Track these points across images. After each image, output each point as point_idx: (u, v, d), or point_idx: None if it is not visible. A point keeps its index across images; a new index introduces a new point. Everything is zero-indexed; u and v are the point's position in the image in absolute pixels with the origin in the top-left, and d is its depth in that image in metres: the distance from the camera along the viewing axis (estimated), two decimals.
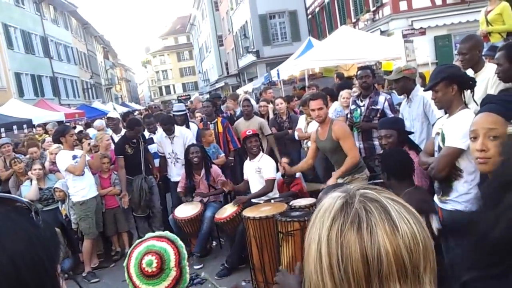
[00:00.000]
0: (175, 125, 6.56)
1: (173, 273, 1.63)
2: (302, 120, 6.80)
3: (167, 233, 1.80)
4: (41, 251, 0.73)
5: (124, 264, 1.72)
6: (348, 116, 5.83)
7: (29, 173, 6.27)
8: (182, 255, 1.70)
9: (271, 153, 6.75)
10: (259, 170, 5.43)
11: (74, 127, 8.80)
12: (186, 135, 6.49)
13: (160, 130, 6.94)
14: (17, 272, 0.68)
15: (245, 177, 5.72)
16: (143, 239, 1.76)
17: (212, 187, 6.00)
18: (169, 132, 6.41)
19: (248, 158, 5.63)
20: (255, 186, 5.49)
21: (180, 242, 1.75)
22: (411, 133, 4.33)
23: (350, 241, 0.78)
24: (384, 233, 0.77)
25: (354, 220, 0.79)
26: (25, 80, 26.31)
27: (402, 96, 5.36)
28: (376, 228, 0.77)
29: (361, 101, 5.65)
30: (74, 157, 5.74)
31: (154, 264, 1.61)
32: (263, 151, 5.72)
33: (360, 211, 0.79)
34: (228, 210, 5.43)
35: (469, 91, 3.27)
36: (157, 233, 1.80)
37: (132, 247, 1.74)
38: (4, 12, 24.46)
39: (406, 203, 0.84)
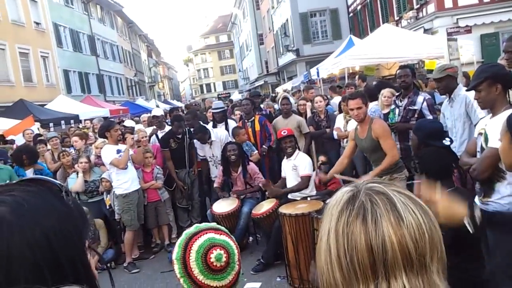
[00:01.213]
0: (210, 128, 6.78)
1: (236, 268, 1.57)
2: (340, 118, 6.76)
3: (216, 225, 1.70)
4: (70, 226, 0.80)
5: (176, 257, 1.58)
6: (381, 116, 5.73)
7: (76, 166, 6.56)
8: (238, 249, 1.63)
9: (309, 151, 6.76)
10: (295, 168, 5.46)
11: (120, 122, 9.09)
12: (221, 137, 6.64)
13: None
14: (49, 244, 0.75)
15: (283, 174, 5.77)
16: (197, 230, 1.63)
17: (249, 184, 6.08)
18: (203, 141, 6.61)
19: (285, 156, 5.68)
20: (291, 183, 5.53)
21: (232, 236, 1.66)
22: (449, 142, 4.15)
23: (355, 232, 0.80)
24: (389, 223, 0.79)
25: (360, 211, 0.82)
26: (73, 77, 27.34)
27: (444, 96, 5.22)
28: (381, 219, 0.80)
29: (400, 101, 5.56)
30: (118, 151, 5.96)
31: (223, 259, 1.53)
32: (299, 149, 5.74)
33: (365, 203, 0.82)
34: (265, 206, 5.49)
35: None
36: (212, 225, 1.69)
37: (186, 239, 1.61)
38: (54, 11, 25.50)
39: (415, 196, 0.86)
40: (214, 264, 1.51)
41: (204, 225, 1.68)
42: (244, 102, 7.56)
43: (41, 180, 0.87)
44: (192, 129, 7.01)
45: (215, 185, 6.30)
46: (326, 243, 0.84)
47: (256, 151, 6.75)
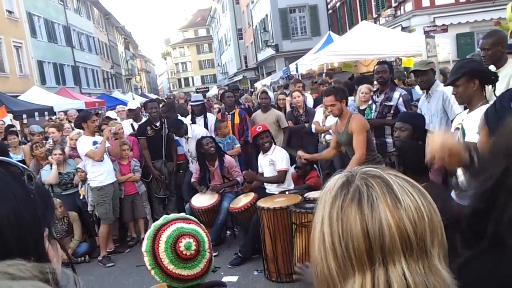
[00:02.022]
0: (188, 123, 6.71)
1: (207, 255, 1.57)
2: (319, 113, 6.78)
3: (188, 216, 1.70)
4: (26, 212, 0.75)
5: (146, 249, 1.59)
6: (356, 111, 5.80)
7: (49, 157, 6.40)
8: (209, 238, 1.64)
9: (287, 146, 6.76)
10: (273, 162, 5.46)
11: (97, 114, 8.95)
12: (197, 135, 6.50)
13: (183, 118, 7.07)
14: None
15: (259, 170, 5.75)
16: (165, 221, 1.63)
17: (226, 178, 6.04)
18: (179, 135, 6.57)
19: (261, 152, 5.67)
20: None
21: (203, 226, 1.67)
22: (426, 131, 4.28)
23: (350, 217, 0.76)
24: (386, 206, 0.75)
25: (355, 195, 0.77)
26: (47, 68, 26.73)
27: (421, 92, 5.29)
28: (377, 202, 0.75)
29: (377, 96, 5.62)
30: (95, 143, 5.85)
31: (193, 247, 1.52)
32: (275, 144, 5.74)
33: (361, 187, 0.78)
34: (243, 200, 5.47)
35: (490, 86, 3.23)
36: (181, 215, 1.69)
37: (154, 230, 1.61)
38: (28, 1, 24.83)
39: (412, 180, 0.82)
40: (184, 252, 1.52)
41: (172, 215, 1.69)
42: (227, 94, 7.51)
43: (2, 162, 0.82)
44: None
45: (192, 179, 6.25)
46: (320, 231, 0.80)
47: (238, 145, 6.72)
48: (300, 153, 5.28)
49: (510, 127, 1.06)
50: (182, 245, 1.52)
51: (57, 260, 0.83)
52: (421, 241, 0.75)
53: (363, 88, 6.60)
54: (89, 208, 6.12)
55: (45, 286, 0.58)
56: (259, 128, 5.54)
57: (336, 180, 0.83)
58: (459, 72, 3.16)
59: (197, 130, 6.61)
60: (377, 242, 0.74)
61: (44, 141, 7.17)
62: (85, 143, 5.82)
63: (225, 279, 4.88)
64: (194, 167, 6.52)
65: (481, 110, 3.02)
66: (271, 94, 7.99)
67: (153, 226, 1.64)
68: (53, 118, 12.91)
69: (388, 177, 0.79)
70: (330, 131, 5.82)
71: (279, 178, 5.39)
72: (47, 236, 0.80)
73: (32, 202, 0.78)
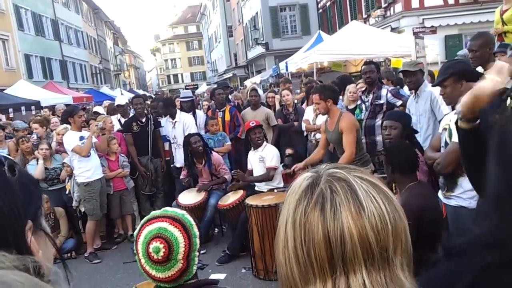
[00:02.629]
0: (178, 110, 6.72)
1: (179, 265, 1.53)
2: (310, 111, 6.79)
3: (183, 215, 1.63)
4: (4, 204, 0.73)
5: (135, 234, 1.63)
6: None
7: (36, 152, 6.33)
8: (192, 247, 1.57)
9: (276, 144, 6.77)
10: (262, 159, 5.46)
11: (84, 109, 8.89)
12: (185, 121, 6.56)
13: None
14: None
15: (249, 167, 5.75)
16: (152, 217, 1.63)
17: (214, 175, 6.02)
18: (171, 113, 6.57)
19: (252, 148, 5.67)
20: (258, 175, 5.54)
21: (194, 230, 1.60)
22: (416, 132, 4.32)
23: (313, 223, 0.74)
24: (349, 213, 0.73)
25: (318, 200, 0.75)
26: (35, 62, 26.38)
27: (409, 92, 5.33)
28: (340, 208, 0.73)
29: (366, 96, 5.67)
30: (81, 138, 5.79)
31: (161, 253, 1.50)
32: (267, 141, 5.75)
33: (325, 191, 0.76)
34: (231, 197, 5.47)
35: None
36: (173, 212, 1.64)
37: (142, 223, 1.63)
38: None
39: (379, 181, 0.80)
40: (152, 255, 1.52)
41: (162, 211, 1.66)
42: (218, 92, 7.50)
43: None
44: (159, 117, 6.93)
45: (181, 176, 6.21)
46: (284, 234, 0.78)
47: (229, 142, 6.70)
48: (298, 164, 5.26)
49: None
50: (151, 247, 1.52)
51: (44, 253, 0.80)
52: (383, 250, 0.73)
53: (351, 87, 6.64)
54: (74, 204, 6.06)
55: (22, 273, 0.56)
56: (253, 123, 5.54)
57: (301, 181, 0.81)
58: (447, 72, 3.19)
59: (184, 116, 6.63)
60: (338, 250, 0.72)
61: (29, 135, 7.09)
62: (71, 138, 5.77)
63: (213, 276, 4.88)
64: (177, 154, 6.58)
65: None
66: (260, 92, 7.99)
67: (149, 215, 1.66)
68: (38, 113, 12.74)
69: (354, 180, 0.77)
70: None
71: (267, 176, 5.39)
72: (31, 229, 0.77)
73: (11, 193, 0.75)
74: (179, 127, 6.52)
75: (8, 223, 0.73)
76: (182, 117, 6.61)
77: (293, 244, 0.76)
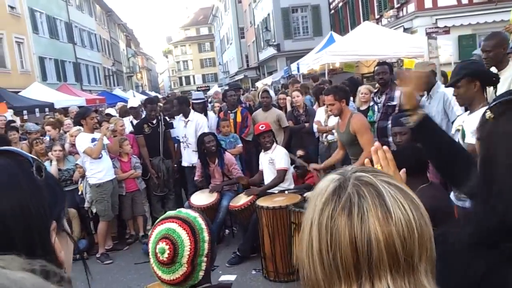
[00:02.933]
0: (192, 110, 6.75)
1: (183, 269, 1.50)
2: (321, 112, 6.77)
3: (195, 218, 1.60)
4: (32, 205, 0.74)
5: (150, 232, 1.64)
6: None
7: (49, 154, 6.40)
8: (199, 252, 1.53)
9: (288, 145, 6.75)
10: (272, 161, 5.45)
11: (96, 111, 8.99)
12: (198, 121, 6.57)
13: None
14: (4, 225, 0.70)
15: (260, 167, 5.75)
16: (165, 217, 1.62)
17: (226, 175, 6.03)
18: (184, 112, 6.59)
19: (263, 150, 5.67)
20: (269, 177, 5.54)
21: (204, 235, 1.56)
22: None
23: (340, 227, 0.74)
24: (376, 219, 0.73)
25: (346, 205, 0.75)
26: (49, 65, 26.72)
27: (421, 94, 5.26)
28: (367, 214, 0.73)
29: (378, 98, 5.61)
30: (93, 140, 5.84)
31: (166, 255, 1.50)
32: (276, 143, 5.74)
33: (352, 196, 0.75)
34: (243, 199, 5.46)
35: (491, 88, 3.22)
36: (186, 214, 1.61)
37: (157, 221, 1.63)
38: None
39: (406, 186, 0.80)
40: (158, 255, 1.51)
41: (175, 212, 1.64)
42: (229, 93, 7.51)
43: (12, 152, 0.81)
44: (171, 119, 6.98)
45: (195, 177, 6.22)
46: (308, 235, 0.78)
47: (241, 144, 6.69)
48: (313, 165, 5.24)
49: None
50: (158, 247, 1.52)
51: (66, 253, 0.82)
52: (408, 257, 0.73)
53: (362, 89, 6.61)
54: (86, 205, 6.11)
55: (29, 273, 0.57)
56: (262, 127, 5.53)
57: (328, 184, 0.80)
58: (461, 73, 3.15)
59: (199, 118, 6.65)
60: (364, 255, 0.72)
61: (42, 137, 7.17)
62: (83, 140, 5.82)
63: (223, 277, 4.87)
64: (186, 154, 6.62)
65: (481, 112, 3.02)
66: (272, 93, 7.98)
67: (160, 217, 1.65)
68: (48, 115, 12.89)
69: (381, 185, 0.76)
70: (334, 131, 5.82)
71: (278, 179, 5.37)
72: (55, 229, 0.79)
73: (39, 193, 0.77)
74: (191, 126, 6.54)
75: (35, 223, 0.74)
76: (195, 117, 6.64)
77: (318, 247, 0.76)
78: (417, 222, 0.74)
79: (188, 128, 6.57)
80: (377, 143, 1.30)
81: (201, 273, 1.54)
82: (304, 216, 0.82)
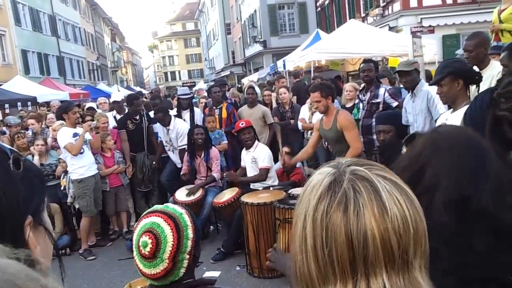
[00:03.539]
0: (172, 116, 6.63)
1: (164, 264, 1.49)
2: (305, 110, 6.80)
3: (181, 215, 1.58)
4: (5, 198, 0.72)
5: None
6: None
7: (31, 148, 6.31)
8: (181, 248, 1.52)
9: (273, 142, 6.75)
10: (255, 160, 5.45)
11: (78, 105, 8.87)
12: (178, 129, 6.48)
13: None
14: None
15: (242, 164, 5.75)
16: (150, 211, 1.62)
17: (210, 169, 6.02)
18: (164, 123, 6.46)
19: (244, 148, 5.66)
20: (250, 175, 5.55)
21: (188, 232, 1.55)
22: (407, 126, 4.31)
23: (335, 223, 0.73)
24: (372, 215, 0.72)
25: (341, 200, 0.74)
26: (32, 58, 26.28)
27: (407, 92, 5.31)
28: (363, 210, 0.72)
29: (364, 95, 5.66)
30: (75, 134, 5.76)
31: (148, 249, 1.49)
32: (258, 141, 5.74)
33: (348, 191, 0.74)
34: (227, 195, 5.46)
35: (474, 86, 3.27)
36: (172, 209, 1.60)
37: (143, 214, 1.62)
38: None
39: (400, 180, 0.78)
40: (141, 249, 1.51)
41: (171, 207, 1.62)
42: (214, 89, 7.48)
43: None
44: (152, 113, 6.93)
45: (182, 172, 6.19)
46: (302, 231, 0.76)
47: (226, 141, 6.66)
48: (285, 150, 5.27)
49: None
50: (141, 240, 1.51)
51: (43, 249, 0.80)
52: (404, 253, 0.73)
53: (347, 86, 6.66)
54: (68, 200, 6.04)
55: (13, 261, 0.56)
56: (242, 124, 5.52)
57: (323, 178, 0.79)
58: (444, 72, 3.18)
59: (179, 124, 6.57)
60: (360, 252, 0.72)
61: (23, 130, 7.06)
62: (64, 135, 5.74)
63: (207, 274, 4.86)
64: (173, 156, 6.59)
65: (464, 110, 3.06)
66: (257, 89, 7.97)
67: (147, 211, 1.64)
68: (25, 109, 12.69)
69: (377, 180, 0.75)
70: None
71: (261, 177, 5.38)
72: (30, 224, 0.77)
73: (13, 186, 0.75)
74: (173, 133, 6.50)
75: (7, 217, 0.72)
76: (177, 125, 6.52)
77: (313, 243, 0.75)
78: (412, 218, 0.73)
79: (171, 134, 6.51)
80: None
81: (183, 270, 1.53)
82: (297, 210, 0.80)
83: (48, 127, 7.37)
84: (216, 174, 5.95)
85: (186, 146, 6.27)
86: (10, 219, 0.73)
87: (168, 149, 6.67)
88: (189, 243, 1.54)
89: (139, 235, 1.53)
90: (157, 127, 6.86)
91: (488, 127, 1.62)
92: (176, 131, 6.46)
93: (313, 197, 0.77)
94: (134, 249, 1.55)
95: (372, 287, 0.72)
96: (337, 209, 0.73)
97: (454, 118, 3.11)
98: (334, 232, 0.73)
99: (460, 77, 3.10)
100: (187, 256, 1.53)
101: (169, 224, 1.53)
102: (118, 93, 9.36)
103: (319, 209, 0.75)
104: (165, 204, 1.66)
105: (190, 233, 1.55)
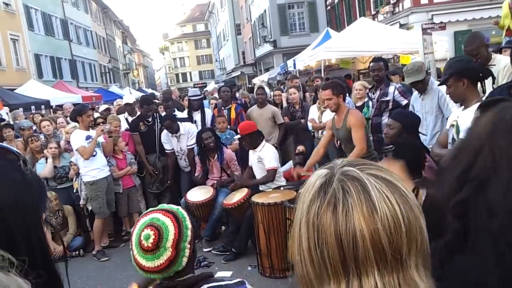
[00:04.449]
0: (179, 123, 6.57)
1: (168, 253, 1.54)
2: (314, 109, 6.78)
3: (178, 209, 1.67)
4: (25, 196, 0.75)
5: (131, 230, 1.68)
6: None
7: (45, 151, 6.39)
8: (182, 237, 1.58)
9: (282, 142, 6.75)
10: (261, 160, 5.43)
11: (93, 108, 8.94)
12: (190, 130, 6.48)
13: (178, 113, 7.05)
14: (3, 217, 0.71)
15: (249, 164, 5.73)
16: (147, 211, 1.69)
17: (225, 171, 6.03)
18: (171, 130, 6.44)
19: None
20: (258, 175, 5.55)
21: (186, 223, 1.62)
22: (418, 134, 4.20)
23: (325, 224, 0.73)
24: (361, 215, 0.72)
25: (331, 201, 0.74)
26: (44, 62, 26.61)
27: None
28: (352, 210, 0.72)
29: (373, 93, 5.63)
30: (88, 137, 5.81)
31: (151, 240, 1.53)
32: (266, 141, 5.71)
33: (337, 192, 0.74)
34: (237, 196, 5.45)
35: (490, 81, 3.23)
36: (168, 206, 1.69)
37: (140, 216, 1.69)
38: None
39: (395, 178, 0.78)
40: (143, 242, 1.55)
41: (166, 205, 1.71)
42: (223, 89, 7.50)
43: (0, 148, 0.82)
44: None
45: (196, 174, 6.20)
46: (298, 233, 0.78)
47: (237, 141, 6.66)
48: (299, 149, 5.21)
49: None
50: (143, 234, 1.55)
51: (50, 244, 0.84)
52: (396, 252, 0.72)
53: (357, 85, 6.63)
54: (81, 202, 6.10)
55: None
56: (242, 129, 5.46)
57: (315, 180, 0.79)
58: (447, 73, 3.18)
59: (188, 126, 6.56)
60: (350, 252, 0.72)
61: (37, 134, 7.15)
62: (77, 137, 5.79)
63: (219, 274, 4.88)
64: (184, 163, 6.60)
65: (475, 107, 3.03)
66: (267, 90, 7.97)
67: (144, 212, 1.72)
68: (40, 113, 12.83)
69: (367, 180, 0.75)
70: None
71: (268, 178, 5.36)
72: (43, 221, 0.81)
73: (30, 186, 0.79)
74: (183, 138, 6.49)
75: (30, 215, 0.76)
76: (187, 127, 6.52)
77: (307, 244, 0.76)
78: (404, 216, 0.73)
79: (182, 142, 6.50)
80: None
81: (185, 260, 1.58)
82: (295, 212, 0.81)
83: (57, 129, 7.46)
84: (238, 173, 5.98)
85: (193, 146, 6.29)
86: (33, 216, 0.77)
87: (180, 158, 6.65)
88: (189, 232, 1.61)
89: (139, 232, 1.58)
90: (164, 135, 6.65)
91: None
92: (187, 134, 6.44)
93: (306, 199, 0.78)
94: (134, 248, 1.59)
95: (364, 286, 0.72)
96: (327, 210, 0.74)
97: (465, 115, 3.08)
98: (324, 233, 0.73)
99: (464, 76, 3.08)
100: (188, 246, 1.59)
101: (168, 217, 1.60)
102: (130, 96, 9.43)
103: (311, 210, 0.76)
104: (160, 205, 1.73)
105: (188, 224, 1.63)
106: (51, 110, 14.34)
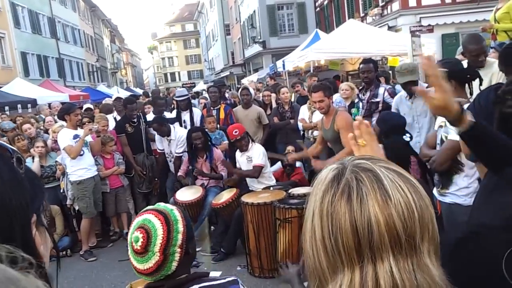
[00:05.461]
0: (172, 126, 6.52)
1: (156, 258, 1.52)
2: (304, 110, 6.81)
3: (172, 210, 1.64)
4: (13, 195, 0.73)
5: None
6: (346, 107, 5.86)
7: (32, 150, 6.31)
8: (172, 241, 1.55)
9: (266, 142, 6.74)
10: (250, 159, 5.44)
11: (81, 107, 8.82)
12: (179, 138, 6.40)
13: (167, 114, 7.02)
14: None
15: (237, 166, 5.71)
16: (143, 210, 1.67)
17: (214, 170, 6.02)
18: (161, 133, 6.41)
19: (238, 149, 5.63)
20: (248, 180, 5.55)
21: (178, 226, 1.59)
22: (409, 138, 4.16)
23: (340, 212, 0.75)
24: (375, 202, 0.74)
25: (345, 190, 0.77)
26: (31, 60, 26.31)
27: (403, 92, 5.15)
28: (366, 197, 0.74)
29: (363, 94, 5.67)
30: (76, 136, 5.76)
31: (139, 243, 1.52)
32: (253, 142, 5.72)
33: (351, 181, 0.77)
34: (225, 196, 5.45)
35: (478, 82, 3.25)
36: (163, 206, 1.65)
37: (138, 214, 1.67)
38: None
39: (404, 171, 0.81)
40: (133, 244, 1.55)
41: (162, 205, 1.68)
42: (212, 89, 7.47)
43: None
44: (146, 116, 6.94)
45: (179, 173, 6.19)
46: (311, 225, 0.80)
47: (226, 141, 6.63)
48: (289, 149, 5.23)
49: None
50: (133, 236, 1.55)
51: (44, 248, 0.81)
52: (410, 238, 0.74)
53: (343, 85, 6.73)
54: (68, 202, 6.04)
55: None
56: (236, 132, 5.40)
57: (327, 173, 0.82)
58: None
59: (180, 132, 6.47)
60: (365, 238, 0.73)
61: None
62: (65, 136, 5.74)
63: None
64: (172, 166, 6.55)
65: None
66: (252, 90, 7.91)
67: (142, 210, 1.69)
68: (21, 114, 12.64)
69: (379, 170, 0.78)
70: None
71: (254, 173, 5.36)
72: (35, 223, 0.78)
73: (20, 186, 0.76)
74: (173, 144, 6.45)
75: (17, 215, 0.73)
76: (177, 134, 6.43)
77: (321, 234, 0.77)
78: (416, 204, 0.75)
79: (172, 146, 6.47)
80: (358, 117, 1.30)
81: (175, 264, 1.56)
82: (306, 207, 0.83)
83: (47, 130, 7.36)
84: (224, 173, 5.96)
85: (181, 155, 6.28)
86: (20, 217, 0.74)
87: (170, 160, 6.62)
88: (180, 236, 1.58)
89: (132, 232, 1.58)
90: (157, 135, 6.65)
91: (496, 124, 1.61)
92: (176, 141, 6.40)
93: (319, 192, 0.80)
94: (129, 248, 1.59)
95: (378, 272, 0.74)
96: (341, 198, 0.76)
97: None
98: (339, 221, 0.75)
99: (451, 78, 3.10)
100: (178, 250, 1.56)
101: (159, 219, 1.58)
102: (118, 95, 9.36)
103: (324, 201, 0.78)
104: (157, 204, 1.71)
105: (180, 227, 1.59)
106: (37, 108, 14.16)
